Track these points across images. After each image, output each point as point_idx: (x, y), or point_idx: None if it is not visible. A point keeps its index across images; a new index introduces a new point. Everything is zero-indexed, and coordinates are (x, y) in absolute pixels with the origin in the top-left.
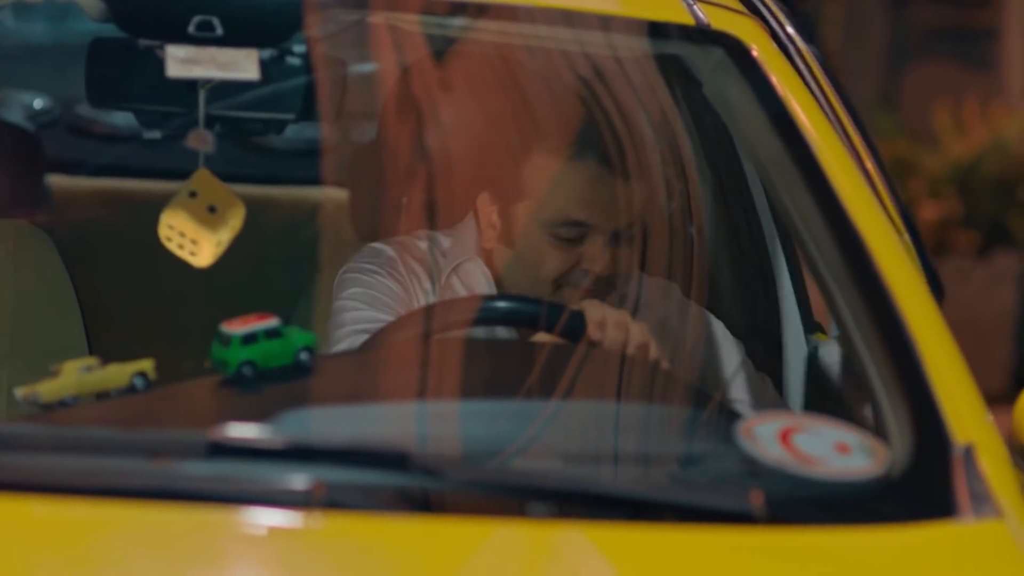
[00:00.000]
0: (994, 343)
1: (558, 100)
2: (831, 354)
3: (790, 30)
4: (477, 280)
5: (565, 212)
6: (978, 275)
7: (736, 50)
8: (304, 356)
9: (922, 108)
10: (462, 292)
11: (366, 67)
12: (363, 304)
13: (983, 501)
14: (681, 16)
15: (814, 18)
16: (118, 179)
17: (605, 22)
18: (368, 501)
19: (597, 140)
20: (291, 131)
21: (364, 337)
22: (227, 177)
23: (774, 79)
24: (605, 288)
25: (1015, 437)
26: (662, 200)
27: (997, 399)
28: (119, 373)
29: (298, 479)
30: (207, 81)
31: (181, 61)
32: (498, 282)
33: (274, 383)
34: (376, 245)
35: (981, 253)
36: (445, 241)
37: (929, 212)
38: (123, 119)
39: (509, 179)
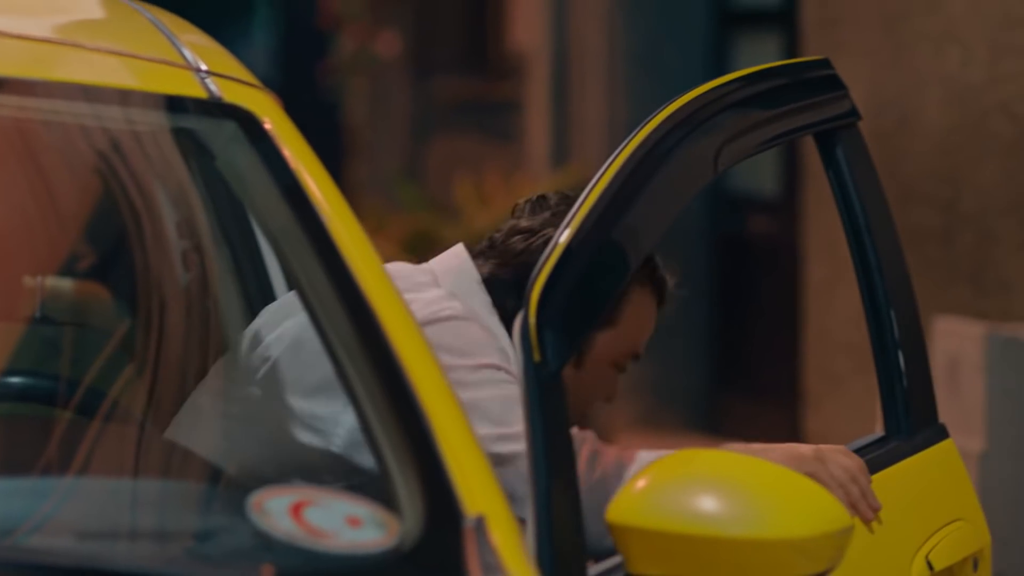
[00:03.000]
0: None
1: (76, 174)
2: None
3: None
4: None
5: (640, 346)
6: None
7: (248, 123)
8: None
9: (446, 181)
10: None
11: None
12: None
13: (494, 571)
14: (194, 90)
15: (337, 92)
16: None
17: (122, 96)
18: None
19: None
20: None
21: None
22: None
23: (286, 152)
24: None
25: None
26: (179, 273)
27: None
28: None
29: None
30: None
31: None
32: None
33: None
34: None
35: None
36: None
37: None
38: None
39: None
